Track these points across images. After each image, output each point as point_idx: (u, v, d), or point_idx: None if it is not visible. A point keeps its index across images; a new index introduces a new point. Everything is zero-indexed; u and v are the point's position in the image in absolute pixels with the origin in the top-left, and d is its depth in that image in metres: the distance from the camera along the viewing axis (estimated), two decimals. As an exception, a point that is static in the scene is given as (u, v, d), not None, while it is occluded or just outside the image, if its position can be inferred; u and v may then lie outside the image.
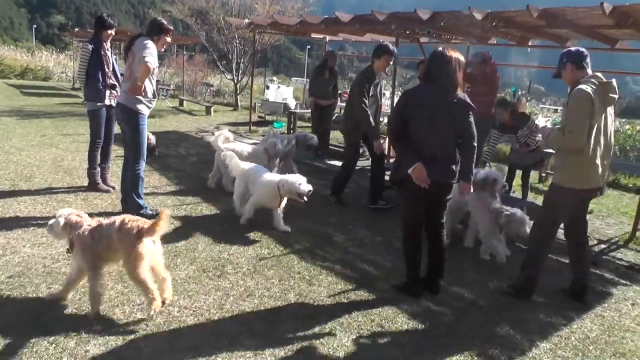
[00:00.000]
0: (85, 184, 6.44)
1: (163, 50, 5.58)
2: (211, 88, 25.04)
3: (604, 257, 5.49)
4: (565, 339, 3.62)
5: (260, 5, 18.45)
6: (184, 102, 18.24)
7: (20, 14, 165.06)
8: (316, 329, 3.45)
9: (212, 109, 16.53)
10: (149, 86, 5.32)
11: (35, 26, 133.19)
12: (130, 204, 5.47)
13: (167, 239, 4.85)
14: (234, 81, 18.71)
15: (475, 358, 3.27)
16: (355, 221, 5.96)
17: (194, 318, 3.48)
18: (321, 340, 3.32)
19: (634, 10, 5.67)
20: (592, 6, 5.68)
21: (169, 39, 5.39)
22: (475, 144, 3.90)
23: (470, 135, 3.86)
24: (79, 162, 7.60)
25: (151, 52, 5.04)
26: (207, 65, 25.09)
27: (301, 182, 5.19)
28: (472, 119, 3.87)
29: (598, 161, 3.89)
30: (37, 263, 4.11)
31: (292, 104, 15.56)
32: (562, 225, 4.27)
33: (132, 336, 3.17)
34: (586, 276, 4.30)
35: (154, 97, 5.49)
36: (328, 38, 12.92)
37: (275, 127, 13.74)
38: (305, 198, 5.20)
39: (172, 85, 22.64)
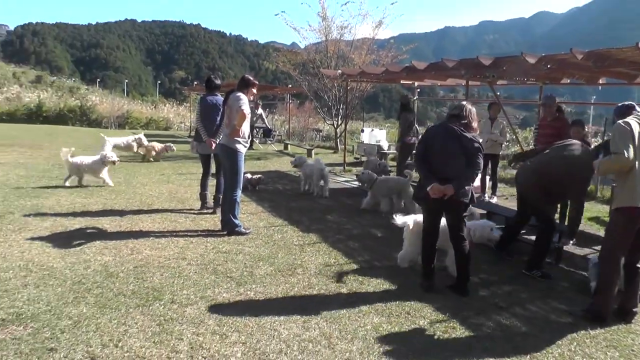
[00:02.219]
0: (194, 209, 8.04)
1: (252, 99, 7.10)
2: (320, 133, 27.06)
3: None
4: (565, 334, 4.28)
5: (356, 55, 20.21)
6: (289, 145, 20.14)
7: (147, 72, 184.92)
8: (355, 311, 4.49)
9: (312, 151, 18.18)
10: (246, 129, 6.82)
11: (159, 82, 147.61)
12: (228, 224, 6.89)
13: (254, 249, 6.18)
14: (334, 126, 20.40)
15: (475, 339, 4.10)
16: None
17: (264, 299, 4.68)
18: (357, 318, 4.35)
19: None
20: (632, 46, 6.19)
21: (254, 91, 6.92)
22: (477, 171, 4.85)
23: (474, 165, 4.80)
24: (189, 194, 9.33)
25: (244, 102, 6.57)
26: (317, 112, 26.92)
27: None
28: (479, 153, 4.83)
29: None
30: (154, 260, 5.59)
31: (385, 145, 16.75)
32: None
33: (216, 306, 4.44)
34: (632, 300, 4.66)
35: (249, 138, 6.98)
36: (417, 83, 14.11)
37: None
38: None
39: (277, 132, 24.85)
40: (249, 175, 10.19)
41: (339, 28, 20.23)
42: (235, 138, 6.72)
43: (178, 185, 10.52)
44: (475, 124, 4.94)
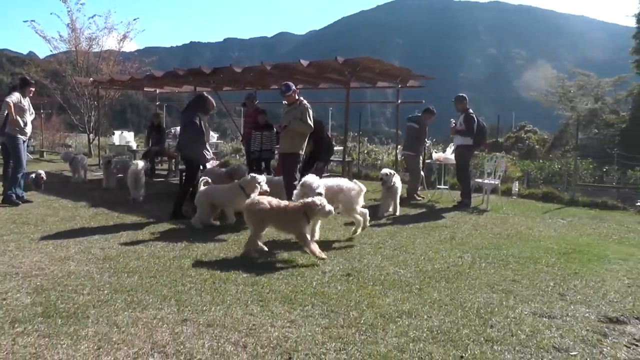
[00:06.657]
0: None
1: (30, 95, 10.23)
2: (70, 149, 26.69)
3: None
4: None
5: (104, 66, 21.84)
6: (44, 153, 20.35)
7: None
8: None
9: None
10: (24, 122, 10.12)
11: None
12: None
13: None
14: (88, 137, 21.56)
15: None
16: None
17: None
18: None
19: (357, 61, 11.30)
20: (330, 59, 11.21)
21: (32, 89, 9.91)
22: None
23: None
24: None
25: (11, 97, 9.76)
26: (65, 127, 26.71)
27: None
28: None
29: None
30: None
31: (134, 145, 20.04)
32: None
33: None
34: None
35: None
36: (158, 91, 18.11)
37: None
38: None
39: (33, 141, 24.08)
40: (33, 175, 12.54)
41: (88, 39, 21.36)
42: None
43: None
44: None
